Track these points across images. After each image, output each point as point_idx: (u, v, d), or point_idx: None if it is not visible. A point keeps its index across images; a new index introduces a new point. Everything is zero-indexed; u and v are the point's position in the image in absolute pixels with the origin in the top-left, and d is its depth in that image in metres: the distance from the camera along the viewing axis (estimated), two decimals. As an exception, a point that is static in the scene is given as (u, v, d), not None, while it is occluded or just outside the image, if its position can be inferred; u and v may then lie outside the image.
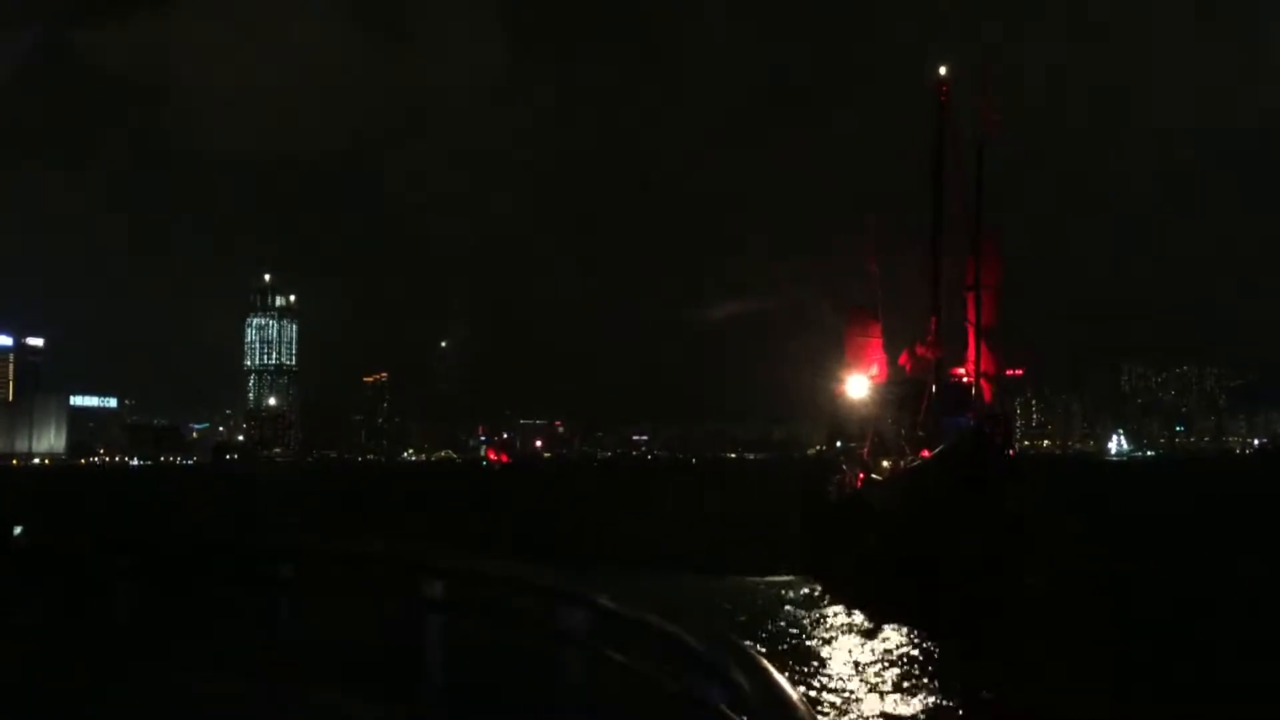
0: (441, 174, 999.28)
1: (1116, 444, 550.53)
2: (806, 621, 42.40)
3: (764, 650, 30.20)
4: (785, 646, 36.80)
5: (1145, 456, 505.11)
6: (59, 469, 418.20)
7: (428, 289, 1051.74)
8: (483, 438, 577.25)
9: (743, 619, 41.08)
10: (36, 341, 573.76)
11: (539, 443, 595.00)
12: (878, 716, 27.89)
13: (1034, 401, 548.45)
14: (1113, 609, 43.24)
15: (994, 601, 42.01)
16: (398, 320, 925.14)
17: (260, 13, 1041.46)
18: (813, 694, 29.50)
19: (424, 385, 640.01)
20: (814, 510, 62.19)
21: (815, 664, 34.20)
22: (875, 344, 64.87)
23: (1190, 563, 57.22)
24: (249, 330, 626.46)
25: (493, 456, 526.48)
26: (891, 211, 71.74)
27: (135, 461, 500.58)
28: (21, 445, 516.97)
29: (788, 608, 45.50)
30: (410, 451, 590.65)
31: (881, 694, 30.08)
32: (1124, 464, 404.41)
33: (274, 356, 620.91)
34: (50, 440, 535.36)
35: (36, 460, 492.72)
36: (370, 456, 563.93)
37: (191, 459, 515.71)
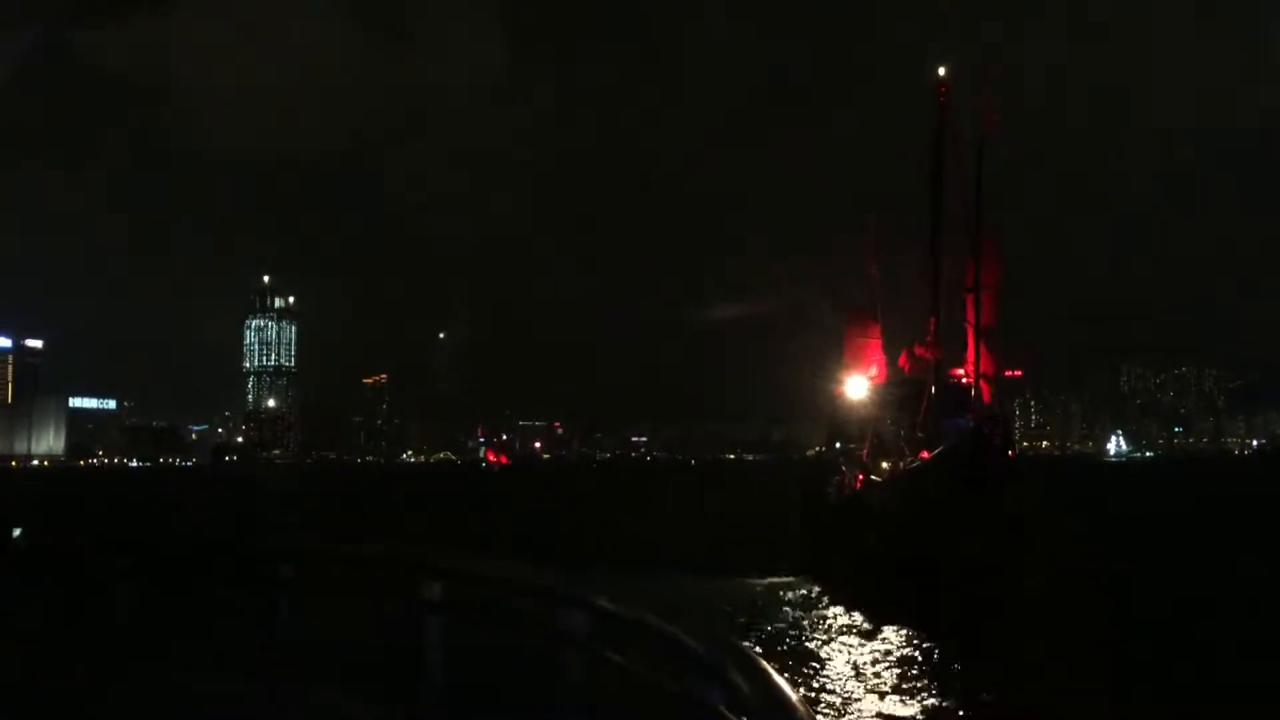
0: (441, 174, 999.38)
1: (1115, 445, 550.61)
2: (806, 622, 42.37)
3: (763, 651, 30.24)
4: (785, 647, 36.79)
5: (1144, 457, 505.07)
6: (58, 470, 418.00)
7: (428, 289, 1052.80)
8: (482, 439, 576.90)
9: (742, 620, 41.07)
10: (36, 343, 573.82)
11: (538, 444, 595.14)
12: (877, 717, 27.88)
13: (1033, 402, 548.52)
14: (1113, 609, 43.22)
15: (994, 601, 41.98)
16: (398, 320, 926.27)
17: (260, 13, 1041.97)
18: (812, 695, 29.48)
19: (424, 386, 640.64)
20: (814, 511, 62.21)
21: (815, 665, 34.17)
22: (874, 345, 64.88)
23: (1190, 563, 57.19)
24: (248, 332, 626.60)
25: (492, 458, 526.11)
26: (891, 211, 71.73)
27: (134, 463, 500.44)
28: (21, 447, 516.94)
29: (787, 609, 45.48)
30: (409, 453, 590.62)
31: (881, 695, 30.06)
32: (1123, 465, 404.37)
33: (273, 358, 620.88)
34: (49, 442, 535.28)
35: (35, 462, 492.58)
36: (369, 458, 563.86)
37: (190, 460, 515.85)
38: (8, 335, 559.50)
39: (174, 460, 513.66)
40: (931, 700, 29.35)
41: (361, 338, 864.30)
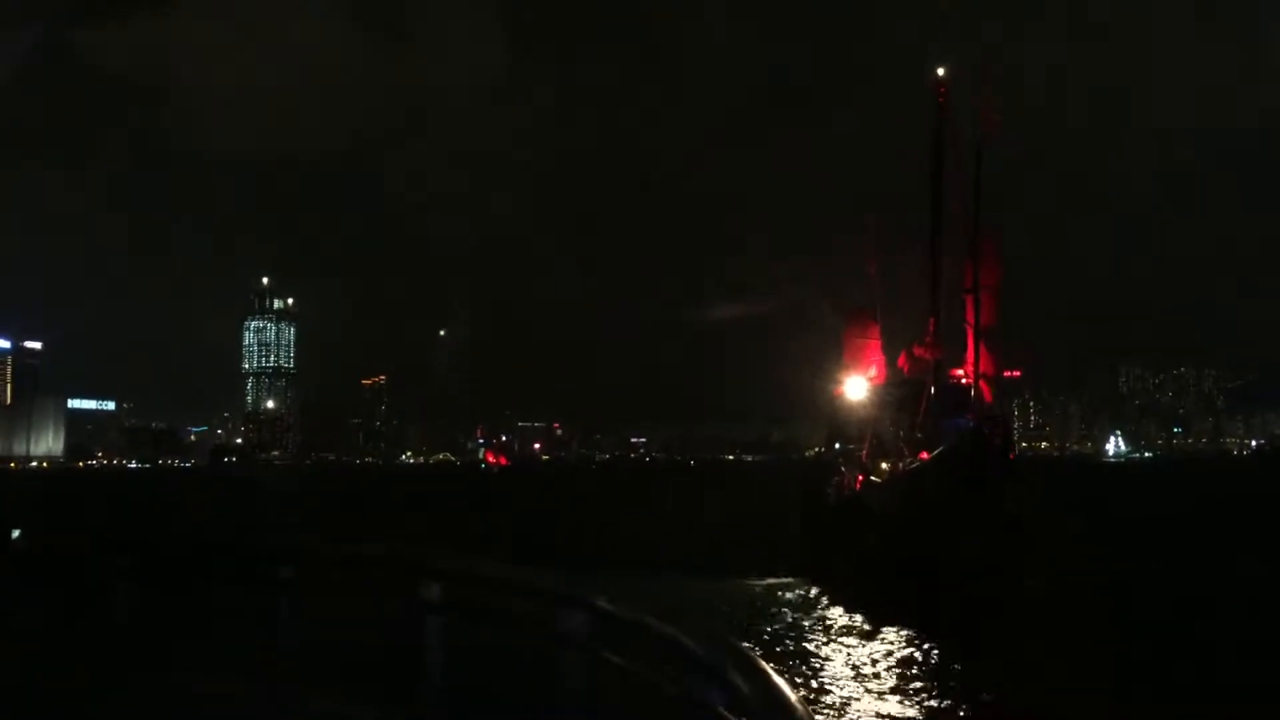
0: (441, 174, 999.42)
1: (1114, 445, 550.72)
2: (805, 623, 42.34)
3: (763, 652, 30.23)
4: (785, 648, 36.76)
5: (1143, 458, 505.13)
6: (57, 472, 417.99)
7: (428, 289, 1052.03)
8: (481, 440, 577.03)
9: (742, 621, 41.05)
10: (35, 344, 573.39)
11: (537, 445, 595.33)
12: (877, 717, 27.87)
13: (1032, 403, 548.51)
14: (1113, 609, 43.21)
15: (994, 602, 41.98)
16: (398, 320, 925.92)
17: (260, 13, 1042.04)
18: (812, 696, 29.47)
19: (423, 387, 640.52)
20: (813, 512, 62.20)
21: (814, 665, 34.16)
22: (874, 345, 64.88)
23: (1190, 563, 57.17)
24: (247, 333, 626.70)
25: (491, 459, 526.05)
26: (891, 211, 71.66)
27: (133, 464, 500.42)
28: (19, 448, 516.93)
29: (787, 609, 45.46)
30: (408, 454, 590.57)
31: (881, 695, 30.05)
32: (1122, 465, 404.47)
33: (272, 359, 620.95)
34: (48, 443, 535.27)
35: (34, 463, 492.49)
36: (368, 459, 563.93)
37: (189, 462, 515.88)
38: (6, 336, 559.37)
39: (173, 461, 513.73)
40: (931, 700, 29.34)
41: (361, 338, 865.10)
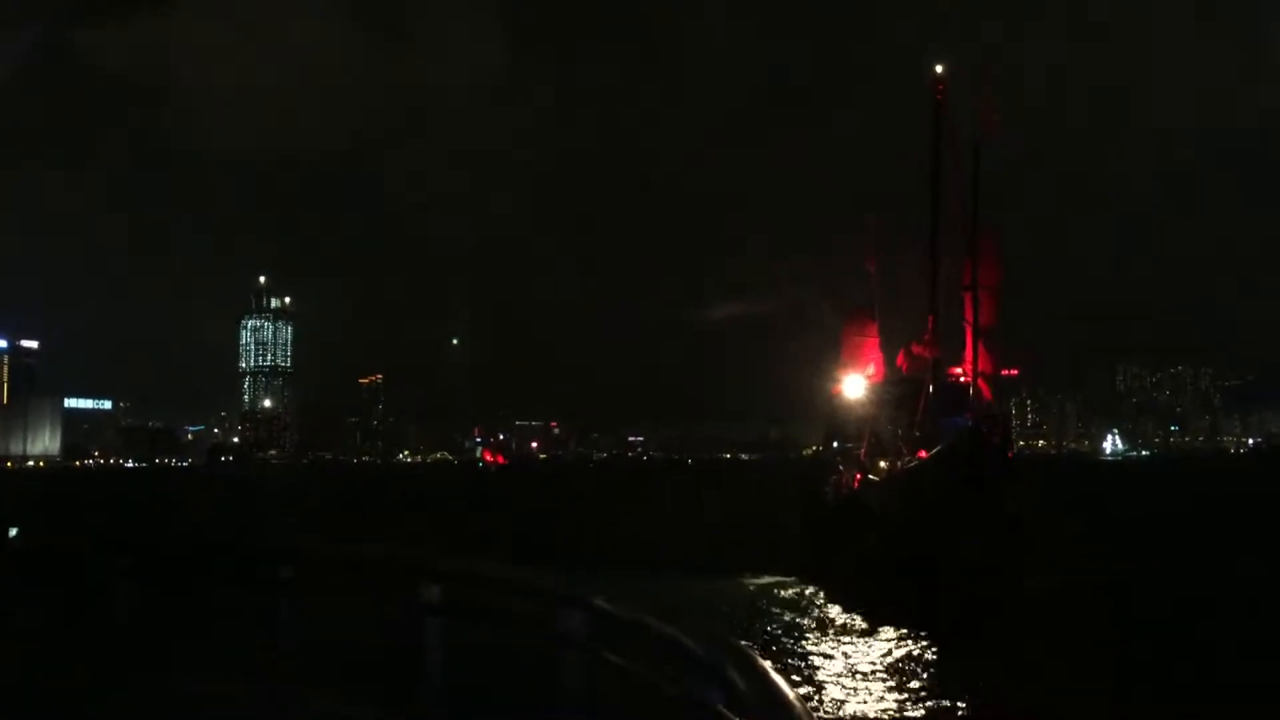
0: (441, 174, 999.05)
1: (1111, 444, 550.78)
2: (805, 622, 42.36)
3: (762, 651, 30.20)
4: (784, 647, 36.77)
5: (1140, 456, 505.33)
6: (54, 471, 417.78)
7: (428, 289, 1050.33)
8: (478, 439, 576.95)
9: (741, 620, 41.03)
10: (31, 343, 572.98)
11: (535, 444, 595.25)
12: (877, 717, 27.84)
13: (1029, 402, 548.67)
14: (1113, 609, 43.18)
15: (994, 601, 41.97)
16: (397, 320, 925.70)
17: (260, 13, 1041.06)
18: (811, 695, 29.44)
19: (422, 386, 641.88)
20: (812, 511, 62.20)
21: (814, 664, 34.16)
22: (872, 343, 64.95)
23: (1190, 563, 57.12)
24: (244, 332, 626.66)
25: (489, 458, 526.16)
26: (891, 211, 71.80)
27: (130, 464, 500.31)
28: (16, 448, 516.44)
29: (786, 609, 45.46)
30: (406, 453, 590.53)
31: (880, 695, 30.05)
32: (1119, 464, 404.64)
33: (269, 358, 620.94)
34: (45, 442, 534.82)
35: (31, 463, 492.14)
36: (365, 458, 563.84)
37: (187, 461, 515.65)
38: (3, 335, 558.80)
39: (170, 461, 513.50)
40: (931, 700, 29.32)
41: (361, 337, 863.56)
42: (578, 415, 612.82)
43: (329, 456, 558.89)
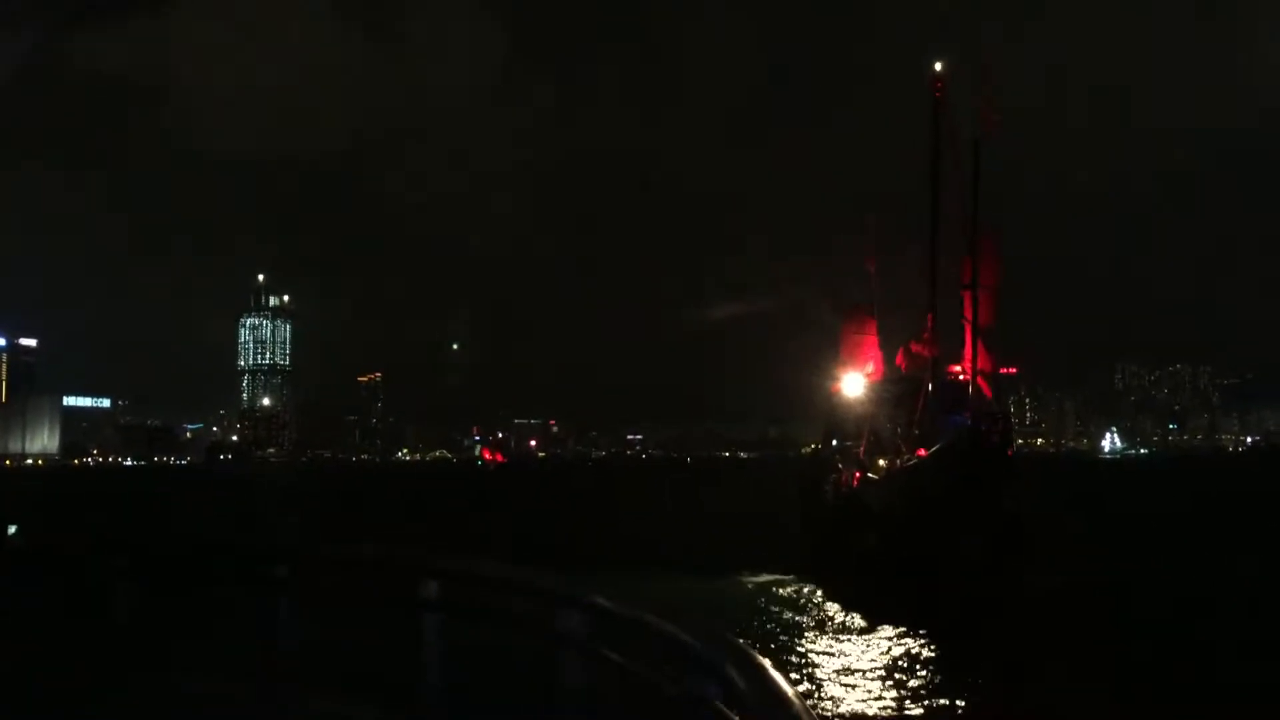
0: (441, 174, 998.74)
1: (1110, 442, 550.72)
2: (805, 621, 42.34)
3: (761, 649, 30.16)
4: (783, 646, 36.74)
5: (1139, 454, 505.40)
6: (53, 469, 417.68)
7: (428, 289, 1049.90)
8: (477, 437, 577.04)
9: (741, 619, 40.98)
10: (30, 342, 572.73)
11: (533, 442, 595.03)
12: (877, 717, 27.81)
13: (1027, 400, 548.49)
14: (1113, 609, 43.14)
15: (994, 601, 41.94)
16: (397, 320, 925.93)
17: (260, 13, 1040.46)
18: (811, 695, 29.41)
19: (421, 386, 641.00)
20: (813, 510, 62.15)
21: (813, 663, 34.14)
22: (871, 341, 64.97)
23: (1189, 563, 57.04)
24: (243, 330, 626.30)
25: (488, 456, 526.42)
26: (891, 211, 72.04)
27: (128, 461, 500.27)
28: (15, 446, 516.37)
29: (786, 607, 45.43)
30: (405, 451, 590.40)
31: (880, 694, 30.02)
32: (1118, 462, 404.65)
33: (268, 356, 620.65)
34: (44, 441, 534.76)
35: (30, 461, 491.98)
36: (364, 456, 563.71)
37: (185, 459, 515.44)
38: (2, 334, 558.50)
39: (168, 459, 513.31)
40: (931, 699, 29.31)
41: (361, 337, 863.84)
42: (577, 415, 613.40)
43: (328, 455, 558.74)
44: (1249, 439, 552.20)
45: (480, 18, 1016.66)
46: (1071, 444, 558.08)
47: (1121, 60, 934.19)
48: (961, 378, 54.70)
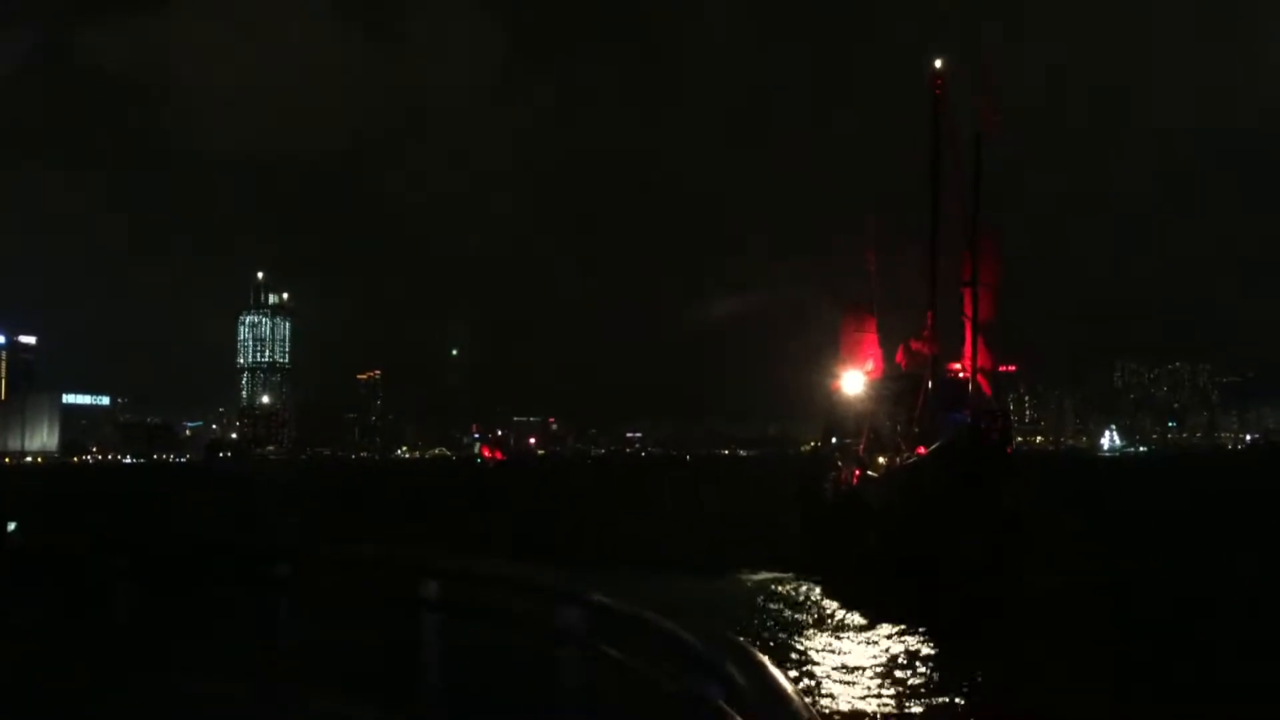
0: (441, 174, 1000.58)
1: (1109, 440, 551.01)
2: (805, 618, 42.32)
3: (761, 647, 30.16)
4: (783, 644, 36.70)
5: (1138, 452, 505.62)
6: (52, 467, 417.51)
7: (428, 289, 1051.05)
8: (476, 435, 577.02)
9: (741, 617, 40.97)
10: (29, 339, 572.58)
11: (533, 440, 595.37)
12: (877, 716, 27.79)
13: (1027, 398, 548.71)
14: (1113, 609, 43.10)
15: (994, 601, 41.93)
16: (397, 320, 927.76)
17: (260, 13, 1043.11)
18: (809, 691, 29.38)
19: (421, 385, 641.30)
20: (812, 508, 62.15)
21: (813, 661, 34.11)
22: (870, 339, 65.01)
23: (1189, 562, 56.98)
24: (242, 328, 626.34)
25: (487, 454, 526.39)
26: (891, 211, 71.90)
27: (128, 459, 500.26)
28: (14, 443, 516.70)
29: (786, 605, 45.41)
30: (404, 449, 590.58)
31: (880, 693, 29.98)
32: (1117, 460, 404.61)
33: (267, 354, 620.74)
34: (43, 438, 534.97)
35: (29, 458, 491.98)
36: (364, 454, 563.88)
37: (184, 457, 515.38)
38: (1, 331, 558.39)
39: (168, 457, 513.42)
40: (931, 699, 29.27)
41: (361, 337, 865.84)
42: (577, 415, 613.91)
43: (327, 453, 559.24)
44: (1248, 437, 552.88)
45: (480, 18, 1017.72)
46: (1071, 442, 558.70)
47: (1121, 60, 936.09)
48: (961, 375, 54.68)
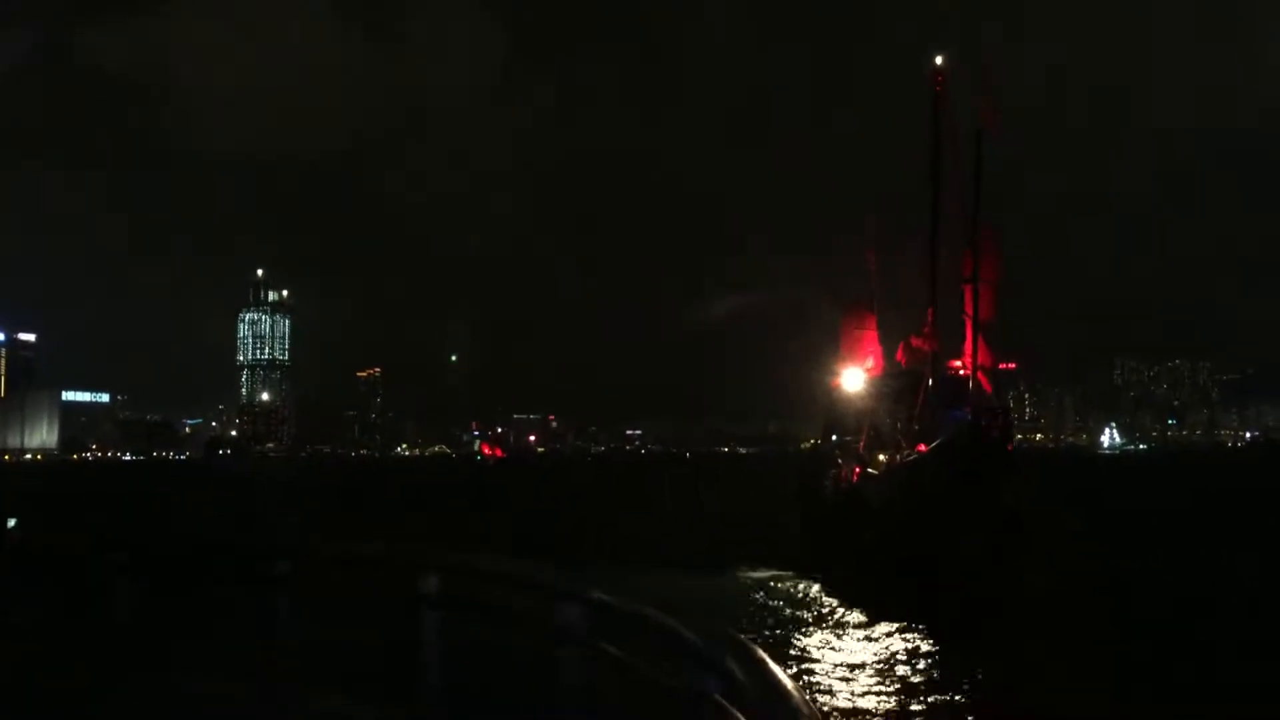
0: (441, 174, 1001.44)
1: (1109, 437, 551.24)
2: (804, 616, 42.32)
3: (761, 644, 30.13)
4: (782, 641, 36.71)
5: (1138, 450, 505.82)
6: (52, 464, 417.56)
7: (428, 289, 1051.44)
8: (476, 433, 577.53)
9: (740, 614, 40.99)
10: (29, 336, 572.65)
11: (533, 437, 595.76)
12: (876, 715, 27.78)
13: (1027, 395, 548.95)
14: (1113, 609, 43.07)
15: (994, 601, 41.89)
16: (397, 320, 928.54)
17: (260, 13, 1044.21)
18: (809, 690, 29.37)
19: (421, 386, 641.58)
20: (812, 507, 62.14)
21: (812, 658, 34.12)
22: (870, 336, 64.95)
23: (1190, 561, 56.96)
24: (242, 325, 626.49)
25: (487, 451, 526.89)
26: (891, 211, 71.85)
27: (127, 456, 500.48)
28: (14, 440, 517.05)
29: (785, 603, 45.41)
30: (404, 446, 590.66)
31: (880, 693, 29.97)
32: (1117, 457, 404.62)
33: (266, 351, 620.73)
34: (43, 435, 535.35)
35: (29, 455, 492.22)
36: (363, 451, 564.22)
37: (184, 454, 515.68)
38: (0, 328, 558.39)
39: (167, 454, 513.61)
40: (930, 698, 29.26)
41: (360, 338, 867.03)
42: (577, 415, 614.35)
43: (327, 450, 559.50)
44: (1248, 434, 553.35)
45: (480, 18, 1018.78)
46: (1071, 439, 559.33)
47: (1121, 60, 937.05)
48: (962, 372, 54.61)
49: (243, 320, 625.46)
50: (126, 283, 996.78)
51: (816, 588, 48.54)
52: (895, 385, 59.84)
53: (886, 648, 35.46)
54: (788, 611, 43.67)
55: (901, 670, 32.38)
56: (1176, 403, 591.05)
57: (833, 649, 35.96)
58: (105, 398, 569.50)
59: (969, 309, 53.50)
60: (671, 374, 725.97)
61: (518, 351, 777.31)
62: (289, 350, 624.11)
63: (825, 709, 27.69)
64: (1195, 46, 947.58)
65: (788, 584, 49.89)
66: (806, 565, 52.99)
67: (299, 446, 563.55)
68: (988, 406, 51.22)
